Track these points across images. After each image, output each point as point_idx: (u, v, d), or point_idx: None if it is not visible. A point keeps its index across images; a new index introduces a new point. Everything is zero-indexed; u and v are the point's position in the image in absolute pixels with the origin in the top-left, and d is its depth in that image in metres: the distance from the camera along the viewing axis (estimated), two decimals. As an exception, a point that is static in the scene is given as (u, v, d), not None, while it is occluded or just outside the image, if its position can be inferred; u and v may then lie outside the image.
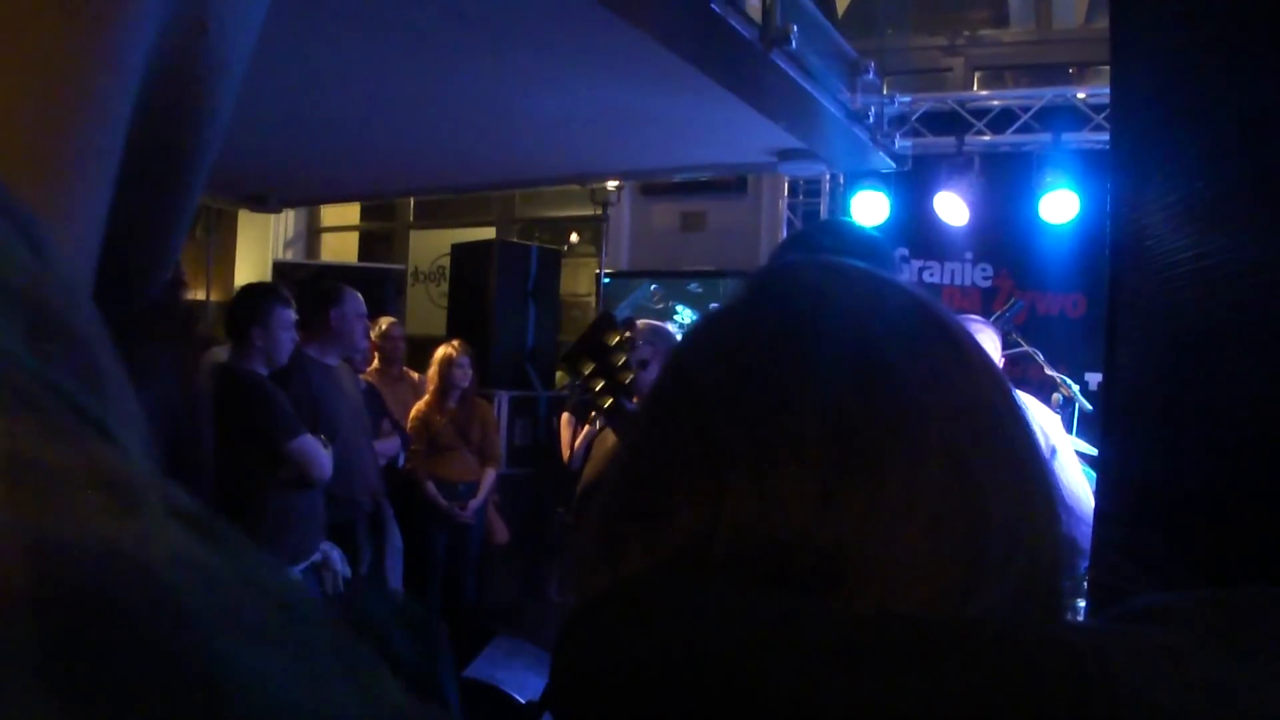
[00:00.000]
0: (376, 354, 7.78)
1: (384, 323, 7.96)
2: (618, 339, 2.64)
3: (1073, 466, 3.91)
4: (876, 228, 9.03)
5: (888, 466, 0.73)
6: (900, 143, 8.63)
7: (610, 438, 5.67)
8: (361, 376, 6.76)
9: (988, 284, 9.29)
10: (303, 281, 9.00)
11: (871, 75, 7.54)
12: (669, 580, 0.75)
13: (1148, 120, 2.50)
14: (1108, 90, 8.99)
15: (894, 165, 8.63)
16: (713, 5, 4.93)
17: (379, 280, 11.66)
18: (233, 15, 0.43)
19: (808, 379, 0.77)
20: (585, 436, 7.31)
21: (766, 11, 5.50)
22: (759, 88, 6.13)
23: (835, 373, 0.77)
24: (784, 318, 0.83)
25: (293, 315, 5.19)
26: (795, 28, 5.56)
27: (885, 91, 8.18)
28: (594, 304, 12.29)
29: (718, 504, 0.74)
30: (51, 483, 0.21)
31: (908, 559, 0.71)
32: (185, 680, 0.20)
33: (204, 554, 0.22)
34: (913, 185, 9.16)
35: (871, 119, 7.73)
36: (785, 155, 7.87)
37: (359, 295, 5.90)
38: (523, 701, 4.56)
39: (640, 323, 5.89)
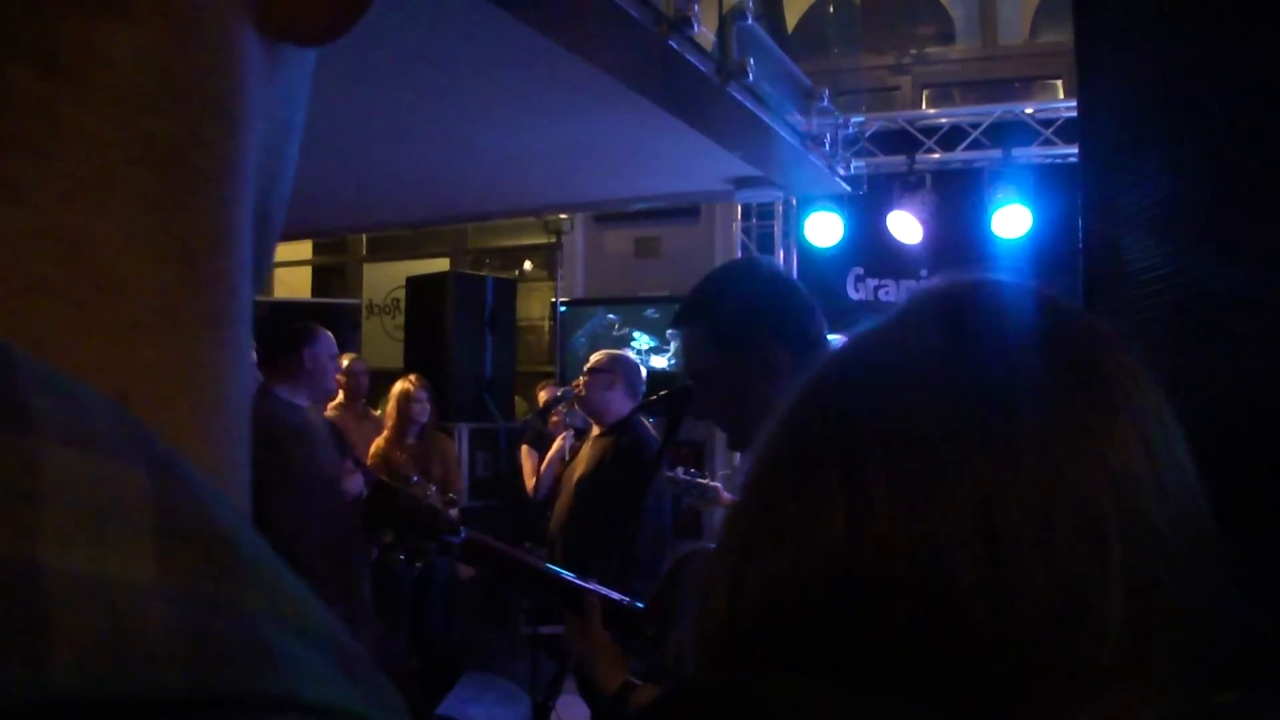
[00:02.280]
0: (341, 391, 7.73)
1: (347, 359, 7.92)
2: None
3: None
4: (831, 248, 9.08)
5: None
6: (853, 164, 8.68)
7: (579, 468, 5.67)
8: (325, 414, 6.71)
9: (943, 301, 9.35)
10: (260, 320, 8.94)
11: (826, 102, 7.59)
12: (748, 678, 0.74)
13: (1115, 135, 2.52)
14: (1055, 105, 9.12)
15: (849, 188, 8.68)
16: (669, 41, 4.94)
17: (334, 315, 11.58)
18: (285, 180, 0.43)
19: (955, 402, 0.76)
20: (549, 466, 7.30)
21: (722, 45, 5.53)
22: (715, 119, 6.16)
23: (989, 398, 0.76)
24: (940, 337, 0.82)
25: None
26: (751, 60, 5.59)
27: (837, 114, 8.23)
28: (550, 331, 12.28)
29: (862, 514, 0.73)
30: None
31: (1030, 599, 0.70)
32: None
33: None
34: (866, 205, 9.21)
35: (826, 144, 7.78)
36: (741, 183, 7.92)
37: (330, 336, 5.82)
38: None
39: (602, 353, 5.91)
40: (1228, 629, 0.74)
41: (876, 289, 9.60)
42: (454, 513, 7.46)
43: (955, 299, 0.87)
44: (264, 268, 0.41)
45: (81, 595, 0.21)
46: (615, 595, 2.35)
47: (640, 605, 2.39)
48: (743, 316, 2.45)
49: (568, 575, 2.32)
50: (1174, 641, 0.72)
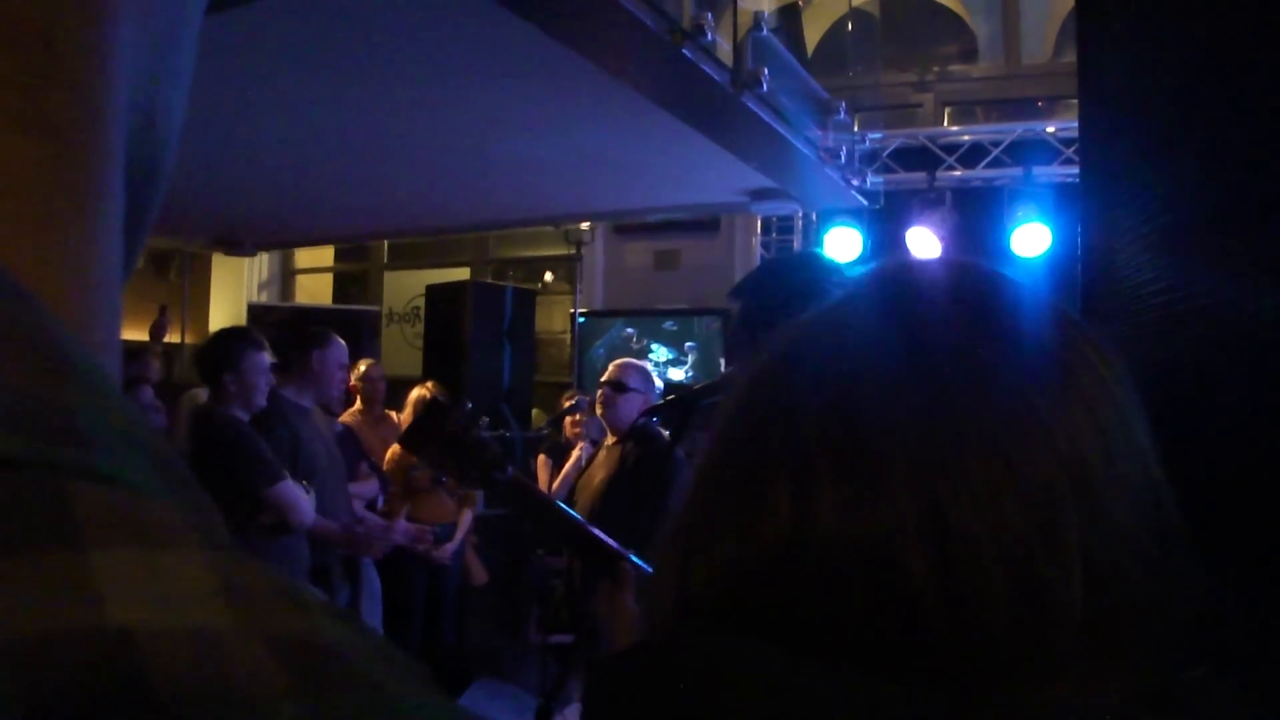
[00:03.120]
0: (357, 396, 7.75)
1: (363, 365, 7.91)
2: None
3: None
4: (850, 264, 9.08)
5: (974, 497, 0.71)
6: (872, 179, 8.69)
7: (598, 474, 5.69)
8: (340, 419, 6.73)
9: (961, 318, 9.32)
10: (279, 324, 8.98)
11: (843, 115, 7.59)
12: (698, 637, 0.76)
13: (1115, 155, 2.54)
14: (1076, 124, 9.02)
15: (866, 203, 8.68)
16: (684, 50, 4.97)
17: (354, 322, 11.64)
18: (171, 97, 0.44)
19: (902, 393, 0.75)
20: (565, 477, 7.31)
21: (738, 55, 5.55)
22: (730, 129, 6.17)
23: (936, 387, 0.75)
24: (888, 322, 0.81)
25: (267, 359, 5.14)
26: (766, 71, 5.61)
27: (856, 129, 8.23)
28: (569, 343, 12.30)
29: (808, 507, 0.73)
30: (254, 597, 0.25)
31: (993, 597, 0.70)
32: None
33: (356, 635, 0.27)
34: (885, 221, 9.19)
35: (843, 158, 7.78)
36: (758, 195, 7.92)
37: (343, 344, 5.86)
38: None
39: (624, 366, 5.93)
40: (1192, 612, 0.74)
41: (894, 305, 9.60)
42: (468, 517, 7.50)
43: (902, 282, 0.86)
44: (158, 177, 0.44)
45: None
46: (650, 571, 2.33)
47: None
48: (772, 300, 2.47)
49: (606, 538, 2.29)
50: (1136, 624, 0.72)
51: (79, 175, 0.36)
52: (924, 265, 0.89)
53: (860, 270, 0.90)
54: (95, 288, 0.37)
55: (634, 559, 2.26)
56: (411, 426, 2.39)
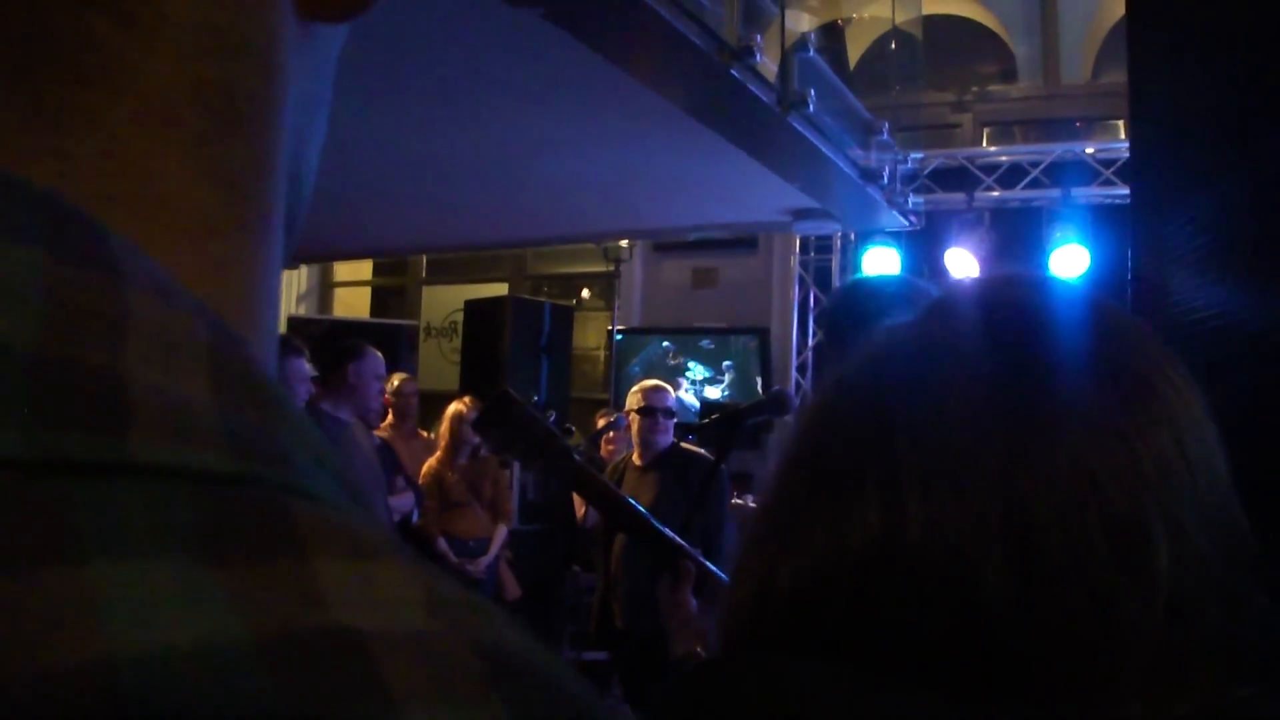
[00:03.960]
0: (390, 410, 7.77)
1: (397, 379, 7.94)
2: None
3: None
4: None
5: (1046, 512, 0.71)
6: (913, 199, 8.67)
7: (639, 498, 5.68)
8: (376, 433, 6.75)
9: (999, 340, 9.27)
10: (318, 337, 9.02)
11: (885, 135, 7.59)
12: (766, 658, 0.76)
13: (1166, 176, 2.53)
14: (1116, 145, 9.01)
15: (908, 223, 8.67)
16: (732, 71, 4.98)
17: (392, 336, 11.67)
18: (311, 156, 0.51)
19: (989, 407, 0.76)
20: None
21: (784, 75, 5.56)
22: (775, 149, 6.18)
23: (1023, 403, 0.76)
24: (976, 338, 0.81)
25: (307, 367, 5.14)
26: (812, 91, 5.62)
27: (896, 149, 8.23)
28: (605, 359, 12.31)
29: (897, 515, 0.74)
30: (451, 605, 0.28)
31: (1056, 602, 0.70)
32: None
33: (530, 641, 0.29)
34: (924, 241, 9.19)
35: (885, 178, 7.78)
36: (800, 215, 7.93)
37: (380, 357, 5.89)
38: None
39: (658, 389, 5.93)
40: (1256, 635, 0.74)
41: (933, 325, 9.58)
42: (503, 531, 7.51)
43: (994, 296, 0.87)
44: (296, 227, 0.49)
45: (153, 396, 0.28)
46: (713, 567, 2.34)
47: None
48: (861, 315, 2.50)
49: (669, 533, 2.31)
50: (1208, 651, 0.72)
51: (251, 219, 0.40)
52: (1017, 280, 0.89)
53: (953, 284, 0.91)
54: (263, 326, 0.41)
55: (697, 555, 2.29)
56: (482, 413, 2.46)
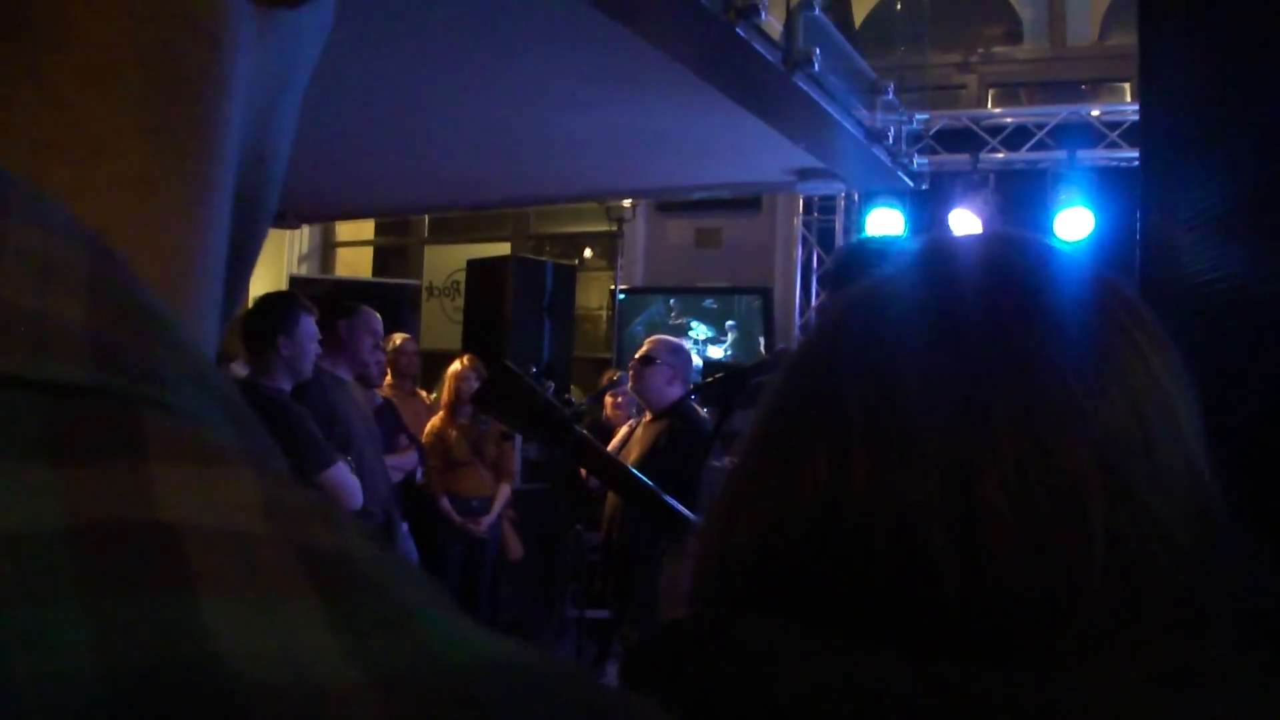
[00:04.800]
0: (390, 369, 7.77)
1: (398, 338, 7.95)
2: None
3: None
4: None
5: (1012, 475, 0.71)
6: (918, 161, 8.65)
7: (632, 452, 5.69)
8: (379, 391, 6.74)
9: (1003, 301, 9.26)
10: (318, 296, 9.02)
11: (890, 95, 7.56)
12: (729, 619, 0.77)
13: (1175, 134, 2.51)
14: (1122, 107, 9.01)
15: (912, 184, 8.65)
16: (737, 29, 4.95)
17: (394, 295, 11.68)
18: (280, 141, 0.52)
19: (939, 368, 0.75)
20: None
21: (789, 34, 5.53)
22: (779, 108, 6.16)
23: (973, 363, 0.75)
24: (932, 297, 0.81)
25: (315, 325, 5.11)
26: (818, 50, 5.58)
27: (901, 109, 8.21)
28: (608, 319, 12.31)
29: (843, 469, 0.74)
30: (292, 512, 0.29)
31: (1011, 561, 0.70)
32: None
33: (385, 556, 0.30)
34: (928, 202, 9.17)
35: (890, 139, 7.75)
36: (804, 174, 7.91)
37: (376, 315, 5.87)
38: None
39: (656, 342, 5.92)
40: (1226, 597, 0.74)
41: (936, 287, 9.58)
42: (506, 490, 7.51)
43: (944, 257, 0.86)
44: (267, 206, 0.52)
45: (18, 318, 0.29)
46: None
47: None
48: (853, 269, 2.49)
49: (672, 501, 2.31)
50: (1165, 611, 0.71)
51: (190, 176, 0.42)
52: (969, 240, 0.90)
53: (922, 242, 0.90)
54: (196, 276, 0.42)
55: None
56: (482, 387, 2.47)
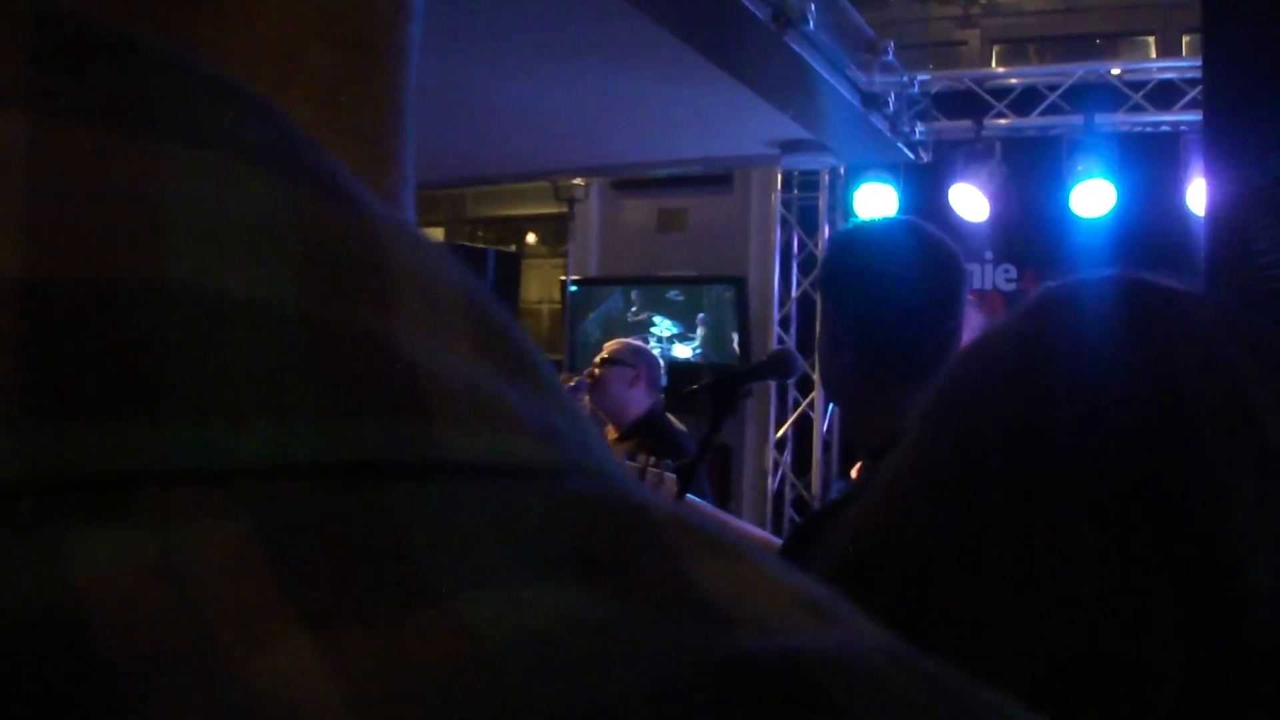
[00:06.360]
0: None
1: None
2: None
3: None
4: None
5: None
6: (919, 129, 8.67)
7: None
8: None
9: (1011, 287, 9.28)
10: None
11: (890, 56, 7.56)
12: None
13: (1243, 96, 2.52)
14: (1146, 65, 9.06)
15: (913, 156, 8.66)
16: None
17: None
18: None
19: (1082, 439, 0.75)
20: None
21: (780, -13, 5.51)
22: (767, 73, 6.15)
23: (1119, 435, 0.75)
24: (1143, 363, 0.81)
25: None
26: (813, 6, 5.58)
27: (902, 71, 8.21)
28: (557, 314, 12.28)
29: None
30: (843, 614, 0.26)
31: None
32: None
33: None
34: (924, 176, 9.15)
35: (891, 105, 7.76)
36: (789, 147, 7.91)
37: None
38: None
39: (619, 342, 5.89)
40: None
41: (935, 273, 9.58)
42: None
43: (1150, 307, 0.86)
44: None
45: (442, 369, 0.26)
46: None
47: None
48: (849, 257, 2.55)
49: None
50: None
51: (386, 182, 0.41)
52: (1169, 292, 0.88)
53: (1088, 280, 0.89)
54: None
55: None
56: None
